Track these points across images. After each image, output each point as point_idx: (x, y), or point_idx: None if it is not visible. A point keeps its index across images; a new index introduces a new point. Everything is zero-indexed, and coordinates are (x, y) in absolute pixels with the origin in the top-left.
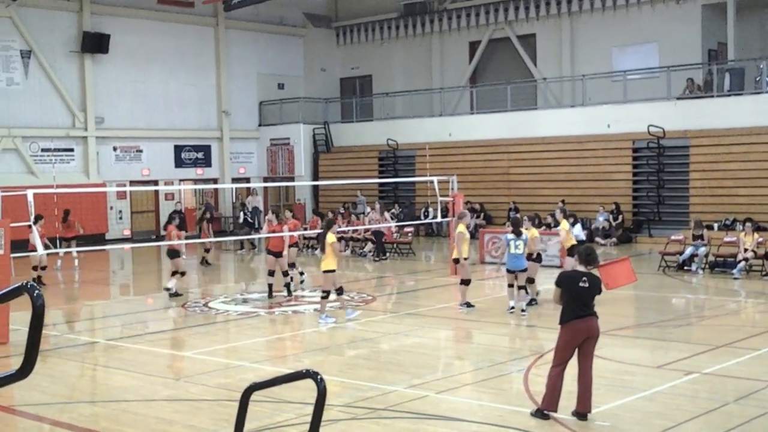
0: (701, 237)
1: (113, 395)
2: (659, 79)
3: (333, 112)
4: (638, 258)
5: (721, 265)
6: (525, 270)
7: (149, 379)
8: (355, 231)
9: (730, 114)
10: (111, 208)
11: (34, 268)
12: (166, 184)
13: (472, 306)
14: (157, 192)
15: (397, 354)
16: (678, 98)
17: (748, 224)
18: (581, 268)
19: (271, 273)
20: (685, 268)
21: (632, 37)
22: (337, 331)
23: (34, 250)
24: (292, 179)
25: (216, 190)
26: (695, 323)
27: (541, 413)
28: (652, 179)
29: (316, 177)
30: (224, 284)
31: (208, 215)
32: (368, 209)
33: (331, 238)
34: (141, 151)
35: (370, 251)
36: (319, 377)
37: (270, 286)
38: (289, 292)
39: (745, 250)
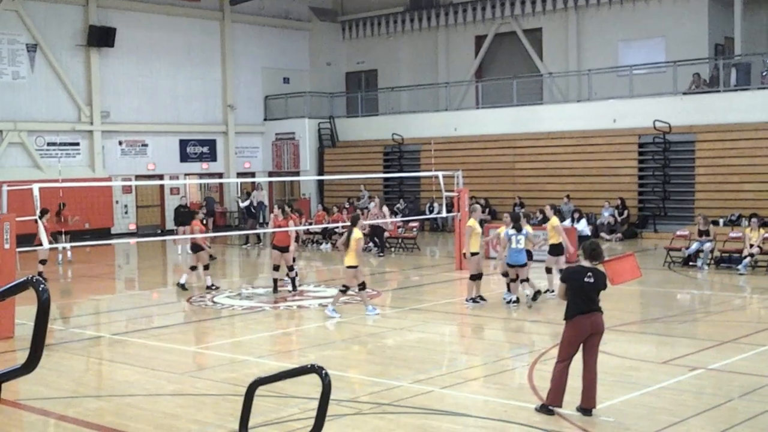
0: (707, 232)
1: (118, 390)
2: (665, 74)
3: (338, 106)
4: (643, 253)
5: (727, 261)
6: (525, 265)
7: (154, 373)
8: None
9: (736, 109)
10: (116, 202)
11: (42, 262)
12: (171, 178)
13: (478, 302)
14: (162, 186)
15: (401, 349)
16: (684, 93)
17: (753, 220)
18: (586, 264)
19: (276, 268)
20: (691, 263)
21: (638, 31)
22: (342, 326)
23: (41, 244)
24: (297, 174)
25: (221, 184)
26: (700, 319)
27: (545, 408)
28: (657, 174)
29: (321, 172)
30: (229, 279)
31: (204, 211)
32: (372, 204)
33: (357, 233)
34: (146, 145)
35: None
36: (324, 372)
37: (275, 281)
38: (294, 287)
39: (751, 245)
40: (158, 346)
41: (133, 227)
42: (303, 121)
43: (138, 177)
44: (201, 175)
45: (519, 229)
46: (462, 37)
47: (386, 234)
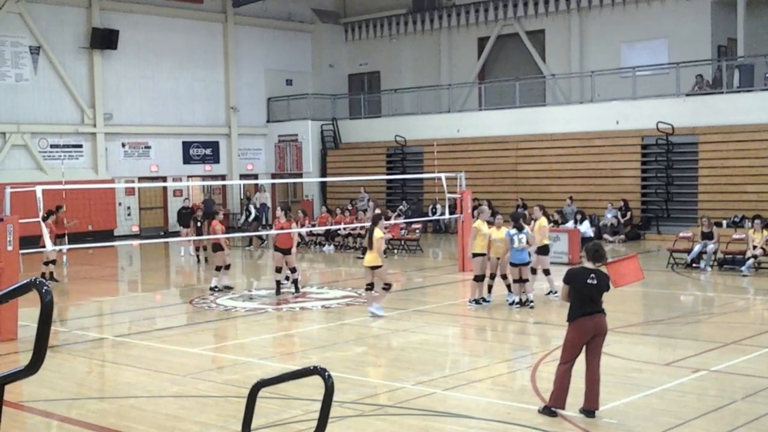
0: (710, 234)
1: (121, 391)
2: (668, 76)
3: (341, 108)
4: (647, 255)
5: (730, 263)
6: (528, 263)
7: (157, 375)
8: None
9: (739, 110)
10: (119, 204)
11: (50, 263)
12: (174, 180)
13: (481, 303)
14: (165, 188)
15: (404, 351)
16: (687, 95)
17: (757, 221)
18: (589, 265)
19: (279, 270)
20: (694, 265)
21: (641, 33)
22: (345, 328)
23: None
24: (300, 176)
25: (224, 186)
26: (703, 320)
27: (548, 410)
28: (660, 176)
29: (324, 173)
30: (232, 280)
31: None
32: (371, 205)
33: (378, 233)
34: (149, 147)
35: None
36: (326, 374)
37: (278, 282)
38: (297, 289)
39: (754, 247)
40: (161, 348)
41: (136, 229)
42: (306, 122)
43: (141, 179)
44: (204, 177)
45: (520, 229)
46: (464, 38)
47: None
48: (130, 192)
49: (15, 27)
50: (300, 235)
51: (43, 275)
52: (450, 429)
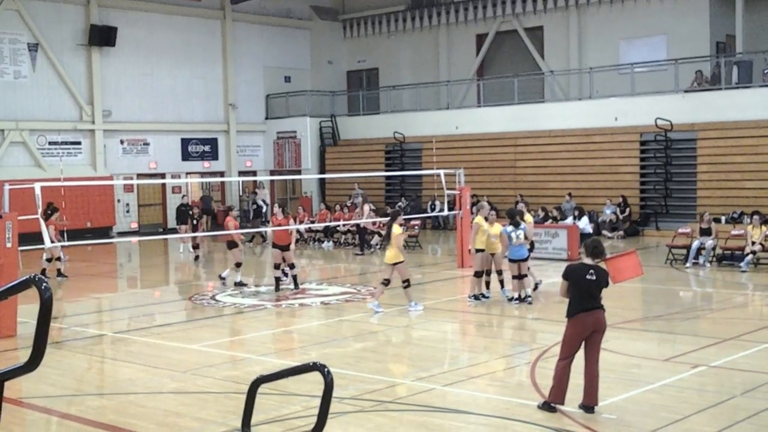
0: (708, 230)
1: (121, 388)
2: (667, 72)
3: (340, 105)
4: (645, 251)
5: (729, 258)
6: (526, 259)
7: (156, 371)
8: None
9: (737, 107)
10: (118, 201)
11: (55, 260)
12: (173, 177)
13: (480, 299)
14: (164, 185)
15: (403, 347)
16: (686, 91)
17: (755, 217)
18: (588, 261)
19: (277, 266)
20: (693, 261)
21: (640, 29)
22: (344, 324)
23: (52, 241)
24: (298, 172)
25: (222, 183)
26: (702, 316)
27: (548, 406)
28: (659, 172)
29: (322, 170)
30: (231, 277)
31: (196, 211)
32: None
33: (397, 229)
34: (148, 144)
35: (376, 244)
36: (326, 370)
37: (277, 279)
38: (296, 285)
39: (753, 243)
40: (160, 345)
41: (134, 226)
42: (304, 119)
43: (139, 176)
44: (202, 174)
45: (517, 225)
46: (463, 35)
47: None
48: (128, 189)
49: (13, 24)
50: (299, 231)
51: (43, 271)
52: (449, 425)
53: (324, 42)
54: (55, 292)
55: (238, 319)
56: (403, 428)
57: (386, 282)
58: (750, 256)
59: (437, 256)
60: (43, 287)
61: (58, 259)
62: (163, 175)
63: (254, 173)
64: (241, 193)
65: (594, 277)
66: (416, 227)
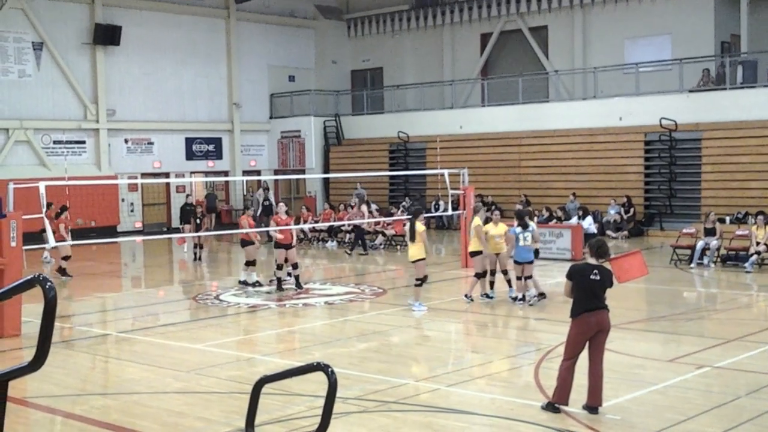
0: (713, 231)
1: (125, 387)
2: (672, 72)
3: (344, 104)
4: (650, 251)
5: (733, 259)
6: (532, 262)
7: (160, 371)
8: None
9: (742, 107)
10: (122, 200)
11: (64, 258)
12: (177, 176)
13: (480, 298)
14: (168, 184)
15: (407, 347)
16: (690, 91)
17: (760, 217)
18: (592, 261)
19: (280, 266)
20: (697, 261)
21: (645, 29)
22: (348, 324)
23: (62, 239)
24: (302, 172)
25: (227, 182)
26: (707, 317)
27: (552, 406)
28: (664, 172)
29: (326, 170)
30: (235, 277)
31: (200, 209)
32: (357, 200)
33: (420, 226)
34: (152, 143)
35: (380, 244)
36: (330, 370)
37: (279, 279)
38: (298, 285)
39: (758, 243)
40: (164, 344)
41: (139, 225)
42: (308, 119)
43: (144, 175)
44: (207, 173)
45: (525, 226)
46: (467, 34)
47: (384, 234)
48: (133, 188)
49: (18, 23)
50: (303, 231)
51: (63, 269)
52: (453, 425)
53: (328, 41)
54: (60, 292)
55: (242, 319)
56: (407, 429)
57: (417, 283)
58: (755, 257)
59: (441, 256)
60: (47, 287)
61: (67, 257)
62: (167, 175)
63: (258, 172)
64: (245, 192)
65: (598, 277)
66: (406, 227)
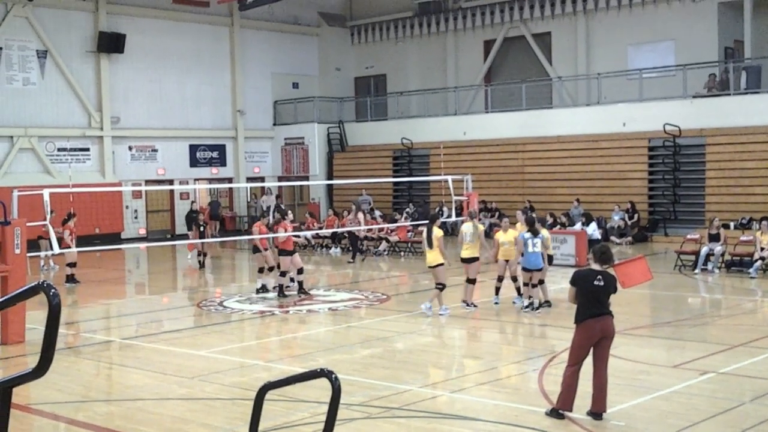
0: (717, 236)
1: (128, 394)
2: (675, 78)
3: (347, 111)
4: (654, 257)
5: (738, 265)
6: (541, 269)
7: (164, 377)
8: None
9: (746, 112)
10: (126, 207)
11: (69, 265)
12: (181, 183)
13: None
14: (172, 191)
15: (411, 353)
16: (694, 96)
17: (764, 223)
18: (596, 267)
19: (284, 273)
20: (701, 267)
21: (648, 35)
22: (352, 331)
23: (68, 246)
24: (306, 178)
25: (231, 189)
26: (711, 323)
27: (556, 413)
28: (667, 178)
29: (330, 176)
30: (239, 283)
31: (202, 217)
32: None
33: (438, 232)
34: (156, 150)
35: (384, 250)
36: (333, 376)
37: (280, 286)
38: (302, 291)
39: (762, 249)
40: (168, 351)
41: (143, 232)
42: (312, 125)
43: (148, 182)
44: (210, 180)
45: (535, 233)
46: (471, 41)
47: (383, 241)
48: (137, 195)
49: (22, 31)
50: (306, 237)
51: (72, 276)
52: (457, 431)
53: (332, 48)
54: (65, 298)
55: (246, 325)
56: None
57: (441, 287)
58: (759, 262)
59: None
60: (51, 293)
61: (73, 264)
62: (171, 182)
63: (262, 179)
64: (249, 199)
65: (602, 283)
66: (423, 233)
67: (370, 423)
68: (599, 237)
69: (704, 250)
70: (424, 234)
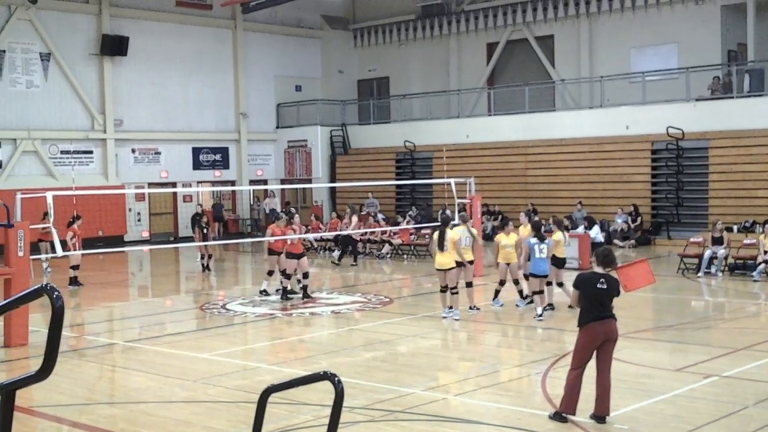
0: (720, 239)
1: (131, 397)
2: (678, 81)
3: (350, 114)
4: (657, 260)
5: (741, 268)
6: (546, 276)
7: (167, 380)
8: (363, 234)
9: (749, 115)
10: (129, 210)
11: (73, 268)
12: (184, 186)
13: (476, 309)
14: (175, 194)
15: (414, 356)
16: (697, 100)
17: (767, 226)
18: (599, 270)
19: (289, 276)
20: (705, 270)
21: (651, 38)
22: (355, 334)
23: (71, 249)
24: (309, 181)
25: (233, 192)
26: (714, 326)
27: (559, 416)
28: (671, 181)
29: (333, 179)
30: (242, 286)
31: (205, 219)
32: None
33: (454, 234)
34: (159, 153)
35: (387, 253)
36: (336, 379)
37: (284, 289)
38: (306, 294)
39: (765, 252)
40: (171, 353)
41: (146, 235)
42: (315, 128)
43: (151, 185)
44: (213, 183)
45: (542, 239)
46: (473, 44)
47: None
48: (140, 198)
49: (25, 34)
50: (309, 240)
51: (75, 278)
52: None
53: (335, 51)
54: (68, 301)
55: (249, 328)
56: None
57: (454, 291)
58: (762, 266)
59: None
60: (54, 296)
61: (77, 267)
62: (174, 184)
63: (265, 182)
64: (251, 202)
65: (605, 286)
66: (427, 236)
67: (373, 426)
68: (602, 240)
69: (707, 253)
70: (435, 237)
